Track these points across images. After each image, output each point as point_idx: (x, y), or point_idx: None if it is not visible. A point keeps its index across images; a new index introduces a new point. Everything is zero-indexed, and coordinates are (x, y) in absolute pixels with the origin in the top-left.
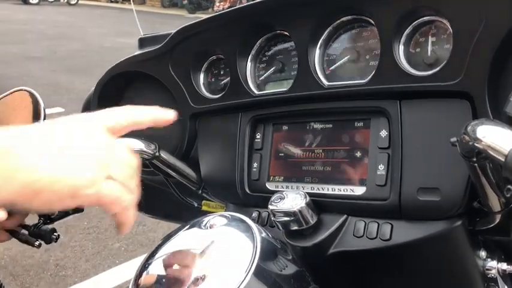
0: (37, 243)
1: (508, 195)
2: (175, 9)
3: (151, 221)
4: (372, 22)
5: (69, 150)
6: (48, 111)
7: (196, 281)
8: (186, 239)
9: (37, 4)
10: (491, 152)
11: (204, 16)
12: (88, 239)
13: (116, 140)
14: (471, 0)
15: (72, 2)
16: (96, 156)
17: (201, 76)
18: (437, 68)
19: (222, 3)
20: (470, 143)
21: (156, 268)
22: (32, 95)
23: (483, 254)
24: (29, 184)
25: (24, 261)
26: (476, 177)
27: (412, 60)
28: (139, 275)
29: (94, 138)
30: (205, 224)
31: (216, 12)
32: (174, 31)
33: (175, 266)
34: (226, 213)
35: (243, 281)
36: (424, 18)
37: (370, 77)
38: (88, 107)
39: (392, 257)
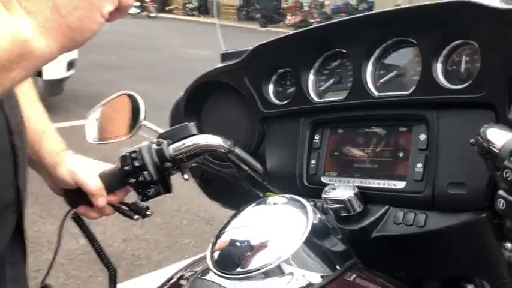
0: (136, 217)
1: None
2: (249, 23)
3: (218, 221)
4: (416, 43)
5: None
6: None
7: (261, 244)
8: (253, 213)
9: None
10: (491, 147)
11: (275, 29)
12: (161, 233)
13: None
14: (496, 28)
15: (152, 15)
16: None
17: (271, 86)
18: (468, 83)
19: (293, 17)
20: (483, 142)
21: (230, 234)
22: (132, 98)
23: (509, 245)
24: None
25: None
26: (492, 171)
27: (449, 75)
28: (215, 242)
29: None
30: (269, 201)
31: (288, 25)
32: (251, 48)
33: (245, 233)
34: (287, 195)
35: (296, 246)
36: (458, 41)
37: (412, 89)
38: (177, 109)
39: (426, 241)
